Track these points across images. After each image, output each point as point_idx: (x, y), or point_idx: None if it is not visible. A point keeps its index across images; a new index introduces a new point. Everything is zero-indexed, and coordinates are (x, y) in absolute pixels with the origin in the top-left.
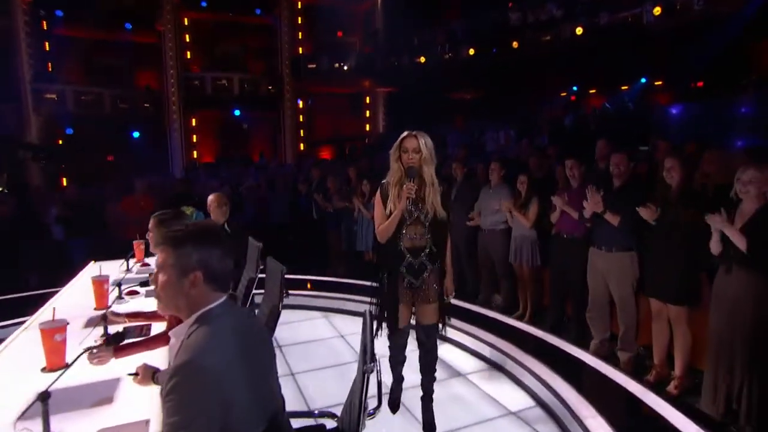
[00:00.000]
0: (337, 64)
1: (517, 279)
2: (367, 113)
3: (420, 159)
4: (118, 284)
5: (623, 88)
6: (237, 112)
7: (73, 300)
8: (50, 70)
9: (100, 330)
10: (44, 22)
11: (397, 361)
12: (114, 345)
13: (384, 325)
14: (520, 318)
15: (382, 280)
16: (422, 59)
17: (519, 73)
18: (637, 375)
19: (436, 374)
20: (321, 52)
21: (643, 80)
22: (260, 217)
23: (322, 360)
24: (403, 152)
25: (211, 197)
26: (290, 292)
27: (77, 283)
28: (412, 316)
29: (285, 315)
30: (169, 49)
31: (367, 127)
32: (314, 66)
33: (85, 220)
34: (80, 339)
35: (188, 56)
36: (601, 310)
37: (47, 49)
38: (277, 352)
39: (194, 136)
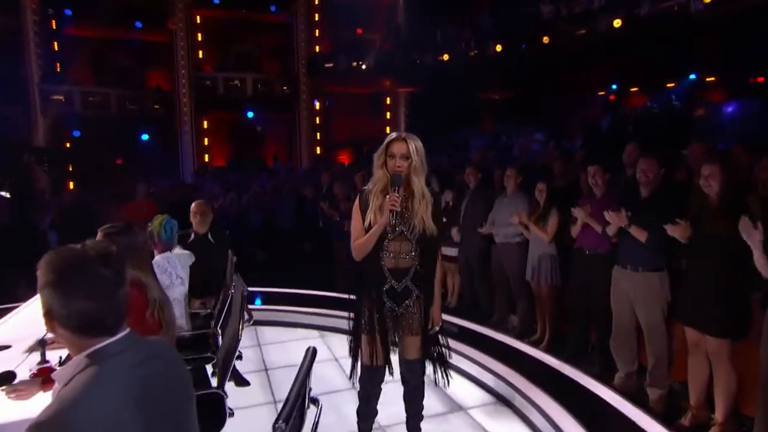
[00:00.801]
0: (355, 63)
1: (535, 299)
2: (388, 115)
3: (409, 166)
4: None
5: (669, 85)
6: (250, 114)
7: (33, 317)
8: (59, 70)
9: (37, 356)
10: (53, 21)
11: (369, 395)
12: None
13: (360, 359)
14: (536, 344)
15: (359, 307)
16: (446, 57)
17: (551, 71)
18: (670, 418)
19: (434, 406)
20: (338, 50)
21: (693, 76)
22: (267, 224)
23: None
24: (389, 157)
25: (192, 205)
26: (286, 308)
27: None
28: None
29: (277, 333)
30: (181, 48)
31: (387, 130)
32: (331, 65)
33: (80, 226)
34: (17, 364)
35: (200, 55)
36: (627, 338)
37: (56, 49)
38: (262, 376)
39: (206, 139)
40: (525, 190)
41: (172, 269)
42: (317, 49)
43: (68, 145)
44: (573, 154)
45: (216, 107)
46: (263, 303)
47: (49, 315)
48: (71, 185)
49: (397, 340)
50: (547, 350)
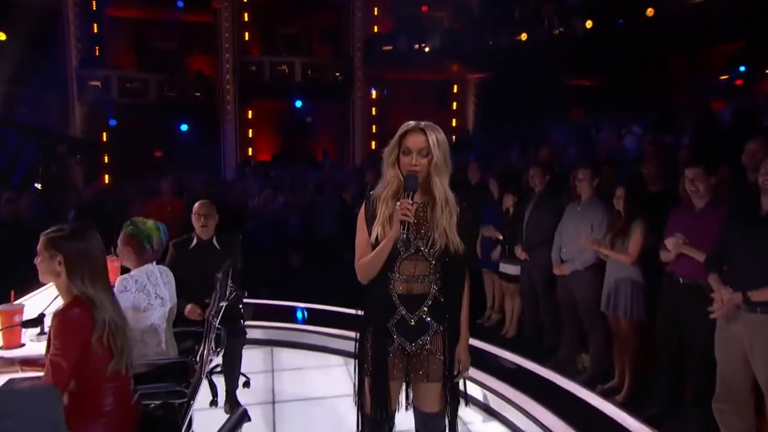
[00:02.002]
0: (418, 45)
1: (612, 335)
2: (455, 105)
3: (429, 165)
4: (42, 316)
5: None
6: (299, 104)
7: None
8: (97, 54)
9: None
10: (94, 1)
11: None
12: None
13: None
14: (612, 393)
15: (364, 343)
16: (524, 36)
17: (657, 51)
18: None
19: None
20: (400, 30)
21: None
22: (305, 228)
23: (319, 428)
24: (403, 154)
25: (195, 206)
26: (310, 328)
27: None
28: (403, 395)
29: (295, 357)
30: (225, 29)
31: (454, 122)
32: (390, 48)
33: (99, 224)
34: None
35: (246, 37)
36: (737, 399)
37: (95, 31)
38: (267, 410)
39: (250, 131)
40: (605, 198)
41: (152, 287)
42: (375, 29)
43: (105, 135)
44: (673, 152)
45: (261, 95)
46: (282, 320)
47: None
48: (106, 179)
49: (411, 385)
50: (627, 403)
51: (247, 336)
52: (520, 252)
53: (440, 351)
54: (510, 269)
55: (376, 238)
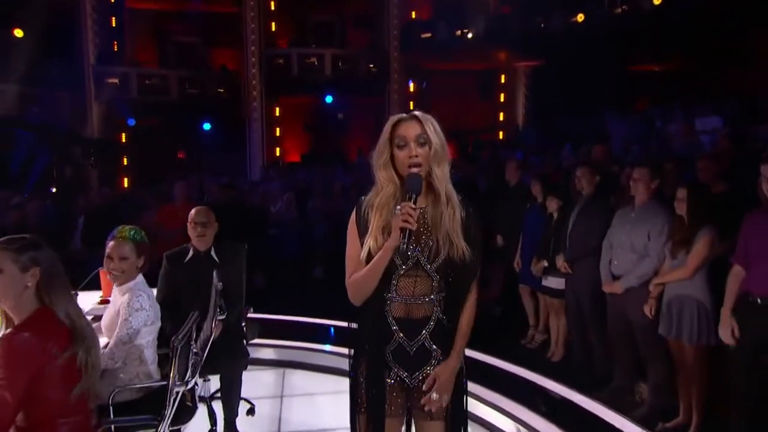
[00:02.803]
0: (460, 32)
1: (675, 363)
2: (502, 97)
3: (428, 156)
4: None
5: None
6: (329, 99)
7: None
8: (116, 50)
9: None
10: None
11: None
12: None
13: None
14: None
15: (357, 374)
16: (580, 17)
17: (739, 28)
18: None
19: None
20: (440, 16)
21: None
22: (332, 235)
23: None
24: (398, 147)
25: (192, 213)
26: (326, 348)
27: None
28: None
29: (308, 381)
30: (251, 19)
31: (501, 116)
32: (429, 35)
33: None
34: None
35: (273, 28)
36: None
37: (113, 24)
38: None
39: (277, 129)
40: (665, 202)
41: (154, 306)
42: (413, 15)
43: (123, 136)
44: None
45: (290, 91)
46: (296, 338)
47: None
48: (125, 182)
49: (412, 424)
50: None
51: (258, 356)
52: (561, 263)
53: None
54: (553, 282)
55: (369, 252)
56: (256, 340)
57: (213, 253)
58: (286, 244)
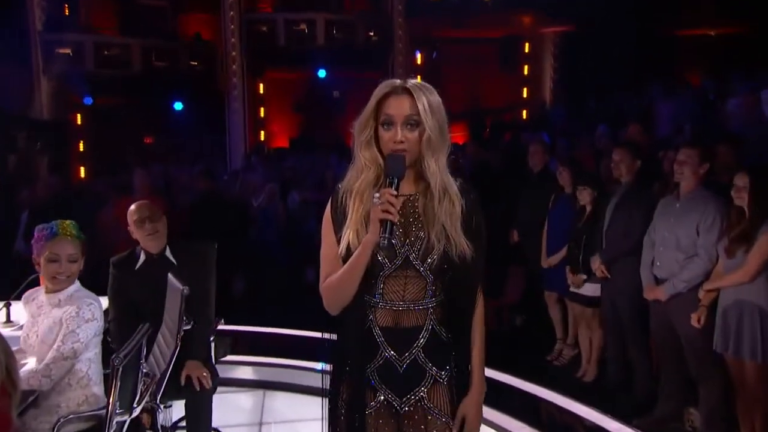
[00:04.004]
0: None
1: (733, 384)
2: (526, 69)
3: (419, 138)
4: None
5: None
6: (322, 73)
7: None
8: (67, 13)
9: None
10: None
11: None
12: None
13: None
14: None
15: (336, 397)
16: None
17: None
18: None
19: None
20: None
21: None
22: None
23: None
24: (383, 126)
25: (131, 209)
26: (313, 366)
27: None
28: None
29: (290, 404)
30: None
31: (525, 93)
32: None
33: None
34: None
35: None
36: None
37: None
38: None
39: (261, 110)
40: (717, 189)
41: (100, 316)
42: None
43: (78, 117)
44: None
45: (275, 64)
46: (279, 354)
47: None
48: (82, 172)
49: None
50: None
51: (233, 375)
52: (596, 265)
53: (444, 409)
54: (586, 289)
55: (348, 247)
56: (231, 357)
57: (169, 254)
58: (270, 243)
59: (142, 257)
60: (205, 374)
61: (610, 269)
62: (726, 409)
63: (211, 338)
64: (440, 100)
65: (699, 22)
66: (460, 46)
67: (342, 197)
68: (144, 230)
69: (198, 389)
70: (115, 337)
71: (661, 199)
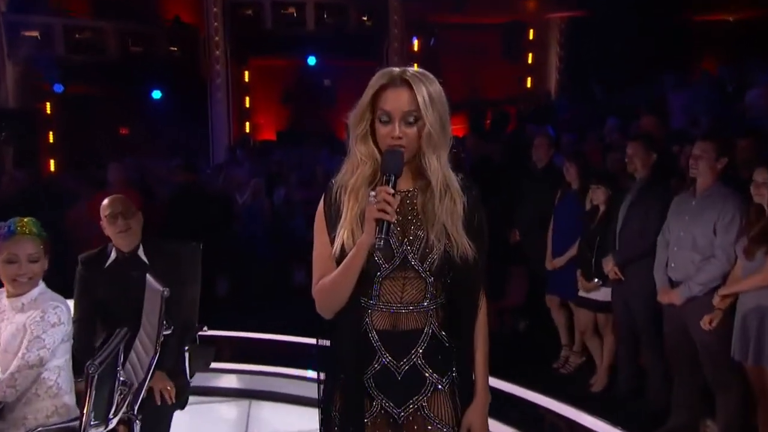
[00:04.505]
0: None
1: (753, 394)
2: (530, 58)
3: (419, 133)
4: None
5: None
6: (312, 60)
7: None
8: None
9: None
10: None
11: None
12: None
13: None
14: None
15: (329, 406)
16: None
17: None
18: None
19: None
20: None
21: None
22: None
23: None
24: (380, 121)
25: (104, 203)
26: (303, 374)
27: None
28: None
29: (277, 415)
30: None
31: (529, 83)
32: None
33: None
34: None
35: None
36: None
37: None
38: None
39: (247, 99)
40: (734, 186)
41: (70, 319)
42: None
43: (47, 106)
44: None
45: (262, 50)
46: (265, 361)
47: None
48: (52, 165)
49: None
50: None
51: (216, 384)
52: (609, 267)
53: (445, 419)
54: (597, 293)
55: (342, 248)
56: (213, 365)
57: (141, 253)
58: (256, 242)
59: (113, 255)
60: (168, 388)
61: (624, 271)
62: (745, 420)
63: (186, 347)
64: (441, 89)
65: (716, 7)
66: (460, 32)
67: (336, 194)
68: (116, 227)
69: (159, 404)
70: (76, 339)
71: (677, 196)
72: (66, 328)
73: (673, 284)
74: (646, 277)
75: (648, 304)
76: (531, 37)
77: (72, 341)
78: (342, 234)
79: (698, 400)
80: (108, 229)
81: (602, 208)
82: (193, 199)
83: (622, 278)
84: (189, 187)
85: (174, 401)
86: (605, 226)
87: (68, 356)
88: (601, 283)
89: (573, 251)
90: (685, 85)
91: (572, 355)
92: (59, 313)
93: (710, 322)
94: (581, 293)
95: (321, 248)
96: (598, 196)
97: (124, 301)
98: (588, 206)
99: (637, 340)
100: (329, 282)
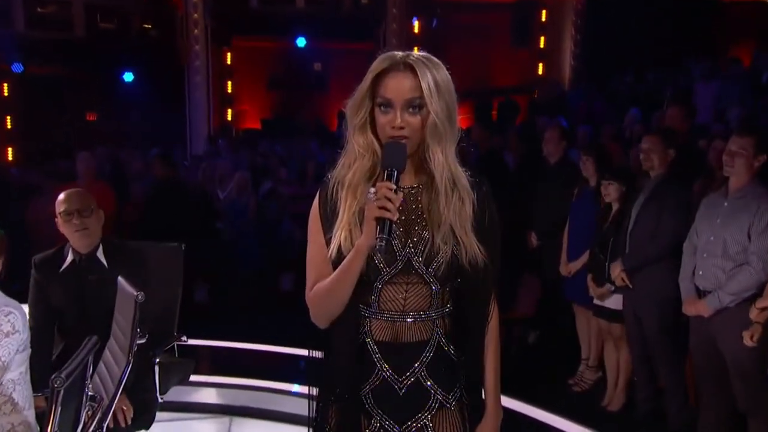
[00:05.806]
0: None
1: None
2: (542, 42)
3: (423, 123)
4: None
5: None
6: (302, 42)
7: None
8: None
9: None
10: None
11: None
12: None
13: None
14: None
15: (323, 424)
16: None
17: None
18: None
19: None
20: None
21: None
22: (301, 234)
23: None
24: (380, 109)
25: (60, 197)
26: (289, 388)
27: None
28: None
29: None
30: None
31: (541, 69)
32: None
33: None
34: None
35: None
36: None
37: None
38: None
39: (229, 84)
40: None
41: (26, 326)
42: None
43: (5, 87)
44: None
45: (246, 30)
46: (248, 374)
47: None
48: (10, 154)
49: None
50: None
51: (195, 399)
52: (617, 273)
53: None
54: (610, 301)
55: (339, 250)
56: (192, 378)
57: (100, 254)
58: (239, 242)
59: (69, 257)
60: (124, 408)
61: (634, 277)
62: None
63: (157, 360)
64: (449, 76)
65: None
66: (466, 12)
67: (332, 190)
68: (71, 225)
69: (112, 426)
70: (33, 350)
71: (705, 197)
72: (21, 337)
73: (700, 294)
74: (659, 284)
75: (659, 313)
76: (543, 18)
77: (29, 350)
78: (339, 235)
79: (726, 423)
80: (63, 227)
81: (615, 206)
82: (170, 194)
83: (630, 285)
84: (166, 182)
85: (128, 423)
86: (618, 226)
87: (25, 368)
88: (613, 288)
89: (588, 255)
90: (714, 75)
91: (587, 371)
92: (12, 320)
93: (751, 337)
94: (595, 300)
95: (315, 251)
96: (610, 192)
97: (78, 308)
98: (601, 204)
99: (652, 349)
100: (324, 288)
